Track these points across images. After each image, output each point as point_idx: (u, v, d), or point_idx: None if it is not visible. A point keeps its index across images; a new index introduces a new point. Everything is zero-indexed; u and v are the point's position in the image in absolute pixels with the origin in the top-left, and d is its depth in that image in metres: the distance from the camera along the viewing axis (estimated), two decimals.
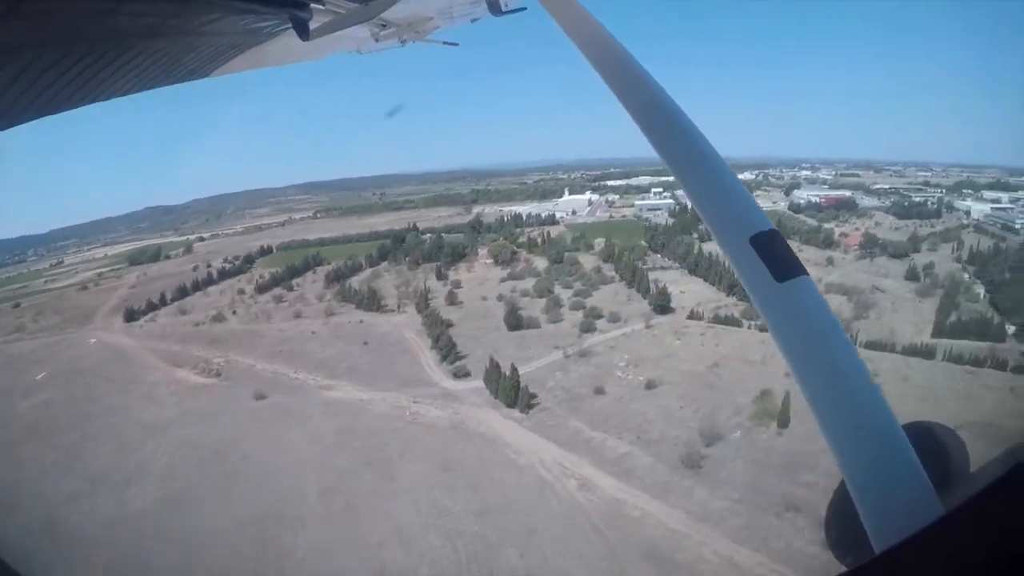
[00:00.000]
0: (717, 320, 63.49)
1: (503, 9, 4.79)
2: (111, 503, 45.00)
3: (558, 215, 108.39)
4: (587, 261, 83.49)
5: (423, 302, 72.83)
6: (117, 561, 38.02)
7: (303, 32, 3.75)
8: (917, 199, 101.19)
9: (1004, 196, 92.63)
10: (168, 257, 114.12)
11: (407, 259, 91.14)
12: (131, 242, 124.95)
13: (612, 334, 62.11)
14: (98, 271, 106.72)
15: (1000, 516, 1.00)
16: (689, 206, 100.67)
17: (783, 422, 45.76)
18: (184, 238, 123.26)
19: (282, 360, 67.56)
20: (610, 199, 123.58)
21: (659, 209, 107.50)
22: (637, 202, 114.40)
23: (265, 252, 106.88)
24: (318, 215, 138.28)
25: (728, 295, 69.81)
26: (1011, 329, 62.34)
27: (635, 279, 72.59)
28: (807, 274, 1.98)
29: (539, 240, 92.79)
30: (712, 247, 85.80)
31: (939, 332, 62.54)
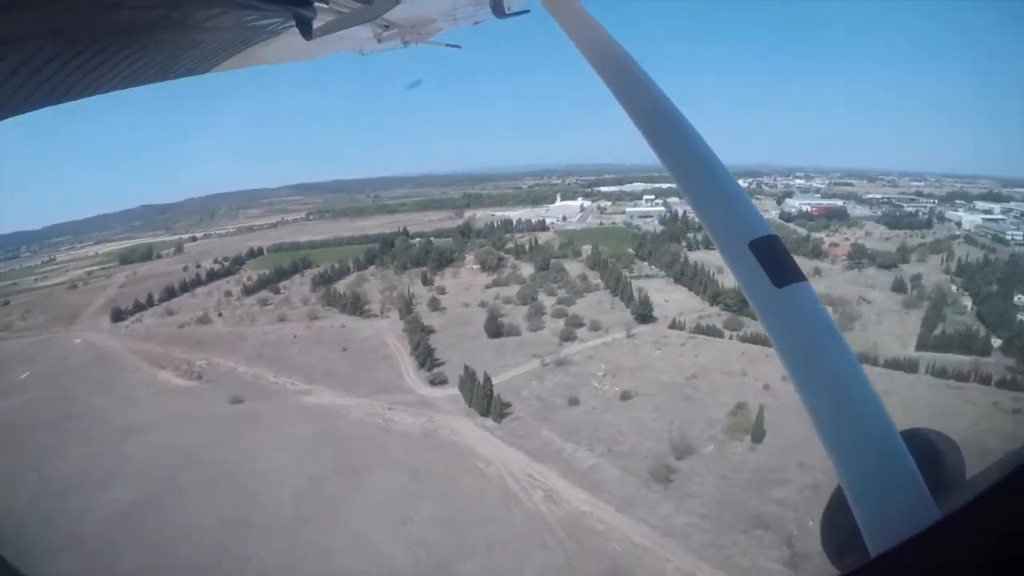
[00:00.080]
0: (699, 330, 63.05)
1: (507, 12, 4.75)
2: (79, 506, 44.78)
3: (548, 221, 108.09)
4: (573, 268, 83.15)
5: (406, 308, 72.54)
6: (80, 563, 37.82)
7: (306, 31, 3.71)
8: (909, 209, 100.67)
9: (996, 207, 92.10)
10: (159, 256, 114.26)
11: (394, 264, 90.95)
12: (124, 240, 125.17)
13: (592, 343, 61.72)
14: (88, 270, 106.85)
15: (996, 521, 1.00)
16: (680, 214, 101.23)
17: (757, 436, 45.34)
18: (176, 237, 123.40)
19: (263, 364, 67.42)
20: (602, 205, 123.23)
21: (650, 216, 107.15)
22: (628, 209, 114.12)
23: (255, 254, 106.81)
24: (310, 217, 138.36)
25: (712, 305, 69.40)
26: (997, 343, 61.75)
27: (619, 287, 72.17)
28: (806, 280, 1.98)
29: (527, 246, 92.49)
30: (699, 256, 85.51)
31: (923, 345, 61.97)
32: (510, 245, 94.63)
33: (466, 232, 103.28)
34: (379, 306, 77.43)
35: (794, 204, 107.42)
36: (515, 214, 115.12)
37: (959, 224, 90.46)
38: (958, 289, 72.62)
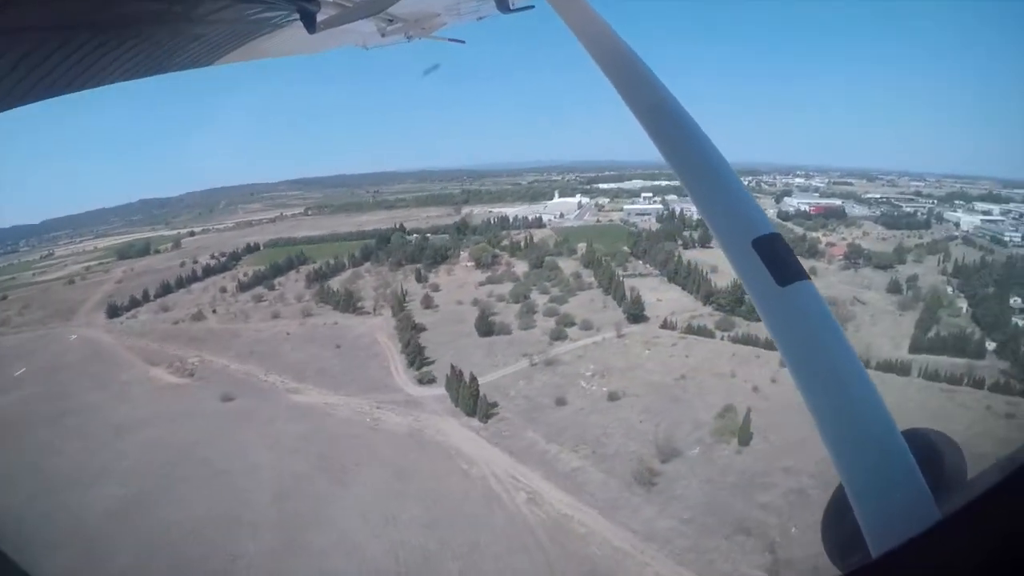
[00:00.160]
0: (690, 330, 62.73)
1: (511, 7, 4.72)
2: (69, 502, 45.09)
3: (545, 218, 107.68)
4: (567, 266, 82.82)
5: (398, 305, 72.49)
6: (71, 558, 38.11)
7: (310, 24, 3.71)
8: (908, 209, 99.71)
9: (995, 208, 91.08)
10: (157, 251, 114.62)
11: (389, 260, 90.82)
12: (123, 235, 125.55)
13: (582, 342, 61.52)
14: (86, 264, 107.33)
15: (997, 521, 1.00)
16: (677, 212, 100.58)
17: (744, 439, 45.12)
18: (175, 232, 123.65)
19: (255, 361, 67.57)
20: (600, 203, 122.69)
21: (647, 214, 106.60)
22: (626, 206, 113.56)
23: (252, 249, 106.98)
24: (309, 212, 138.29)
25: (705, 304, 69.05)
26: (991, 346, 61.11)
27: (612, 286, 71.85)
28: (809, 278, 1.97)
29: (522, 243, 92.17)
30: (694, 255, 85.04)
31: (917, 347, 61.43)
32: (505, 242, 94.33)
33: (462, 229, 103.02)
34: (373, 303, 77.41)
35: (792, 203, 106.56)
36: (513, 211, 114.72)
37: (957, 225, 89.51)
38: (954, 291, 71.94)
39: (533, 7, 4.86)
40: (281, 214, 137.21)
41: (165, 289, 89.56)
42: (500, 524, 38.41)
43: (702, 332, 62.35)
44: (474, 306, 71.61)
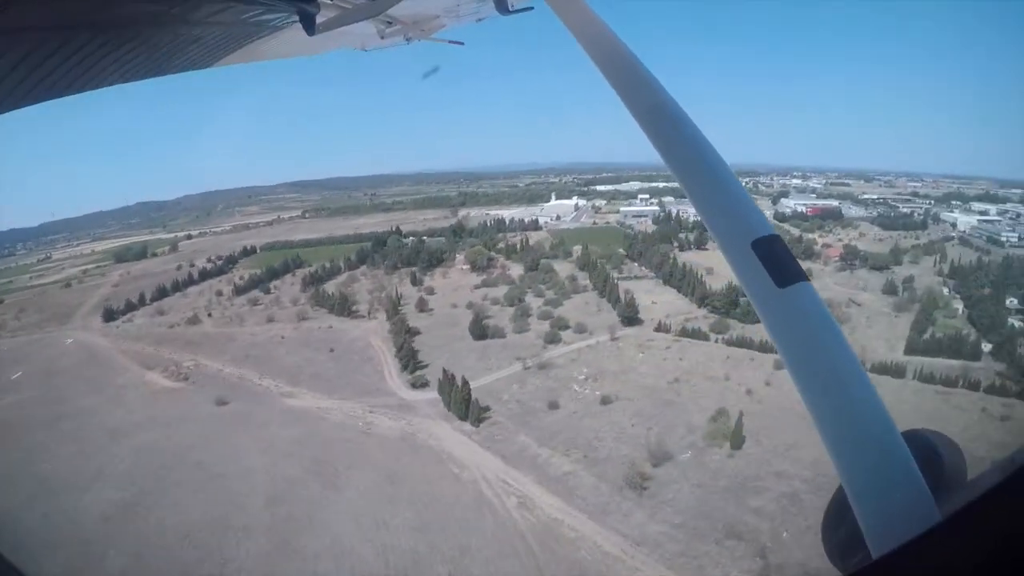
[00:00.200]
0: (684, 333, 62.59)
1: (510, 8, 4.70)
2: (63, 506, 45.08)
3: (542, 220, 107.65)
4: (563, 269, 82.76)
5: (393, 309, 72.45)
6: (61, 562, 38.07)
7: (309, 26, 3.72)
8: (904, 210, 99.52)
9: (992, 208, 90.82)
10: (155, 255, 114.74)
11: (385, 263, 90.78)
12: (120, 238, 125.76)
13: (576, 346, 61.41)
14: (84, 268, 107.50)
15: (998, 522, 1.00)
16: (673, 214, 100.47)
17: (737, 443, 44.94)
18: (172, 235, 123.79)
19: (250, 365, 67.56)
20: (597, 204, 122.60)
21: (644, 216, 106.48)
22: (623, 208, 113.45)
23: (248, 252, 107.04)
24: (306, 215, 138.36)
25: (700, 307, 68.93)
26: (987, 347, 60.87)
27: (606, 289, 71.75)
28: (808, 280, 1.97)
29: (518, 246, 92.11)
30: (690, 257, 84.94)
31: (912, 349, 61.25)
32: (501, 245, 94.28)
33: (458, 231, 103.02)
34: (368, 307, 77.36)
35: (789, 204, 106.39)
36: (509, 213, 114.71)
37: (954, 225, 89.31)
38: (950, 292, 71.73)
39: (532, 8, 4.86)
40: (279, 217, 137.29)
41: (161, 293, 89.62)
42: (490, 528, 38.30)
43: (696, 335, 62.22)
44: (469, 309, 71.56)
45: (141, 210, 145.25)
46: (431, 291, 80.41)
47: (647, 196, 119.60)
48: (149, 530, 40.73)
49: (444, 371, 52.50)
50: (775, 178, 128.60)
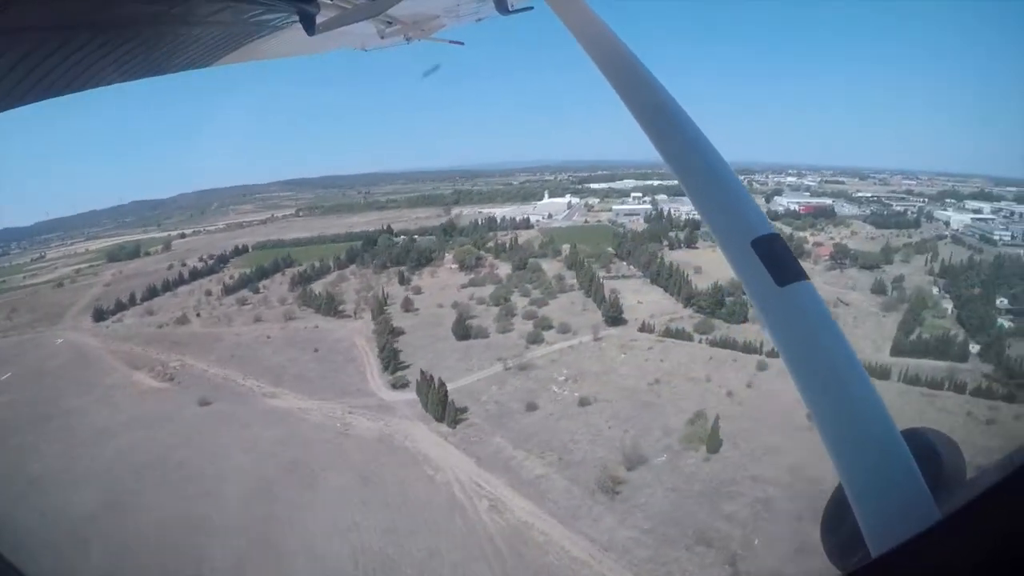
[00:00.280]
0: (668, 334, 62.16)
1: (510, 8, 4.73)
2: (43, 506, 45.31)
3: (533, 219, 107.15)
4: (551, 268, 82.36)
5: (378, 309, 72.33)
6: (41, 559, 38.26)
7: (309, 26, 3.72)
8: (898, 208, 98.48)
9: (986, 206, 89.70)
10: (147, 254, 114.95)
11: (374, 262, 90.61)
12: (114, 237, 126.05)
13: (558, 346, 61.13)
14: (77, 267, 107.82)
15: (997, 521, 1.00)
16: (665, 212, 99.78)
17: (713, 447, 44.58)
18: (165, 234, 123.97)
19: (234, 365, 67.69)
20: (590, 203, 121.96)
21: (636, 214, 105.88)
22: (615, 207, 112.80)
23: (240, 252, 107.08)
24: (300, 213, 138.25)
25: (686, 307, 68.43)
26: (975, 348, 60.13)
27: (592, 288, 71.35)
28: (808, 279, 1.98)
29: (507, 245, 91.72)
30: (679, 256, 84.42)
31: (899, 350, 60.59)
32: (491, 244, 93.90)
33: (449, 230, 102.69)
34: (354, 306, 77.29)
35: (783, 202, 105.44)
36: (501, 211, 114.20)
37: (947, 224, 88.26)
38: (940, 291, 70.92)
39: (532, 8, 4.86)
40: (272, 215, 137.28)
41: (152, 292, 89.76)
42: (460, 531, 38.22)
43: (680, 335, 61.79)
44: (454, 309, 71.34)
45: (135, 209, 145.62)
46: (418, 291, 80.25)
47: (639, 194, 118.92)
48: (125, 529, 40.90)
49: (422, 372, 52.37)
50: (770, 176, 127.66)
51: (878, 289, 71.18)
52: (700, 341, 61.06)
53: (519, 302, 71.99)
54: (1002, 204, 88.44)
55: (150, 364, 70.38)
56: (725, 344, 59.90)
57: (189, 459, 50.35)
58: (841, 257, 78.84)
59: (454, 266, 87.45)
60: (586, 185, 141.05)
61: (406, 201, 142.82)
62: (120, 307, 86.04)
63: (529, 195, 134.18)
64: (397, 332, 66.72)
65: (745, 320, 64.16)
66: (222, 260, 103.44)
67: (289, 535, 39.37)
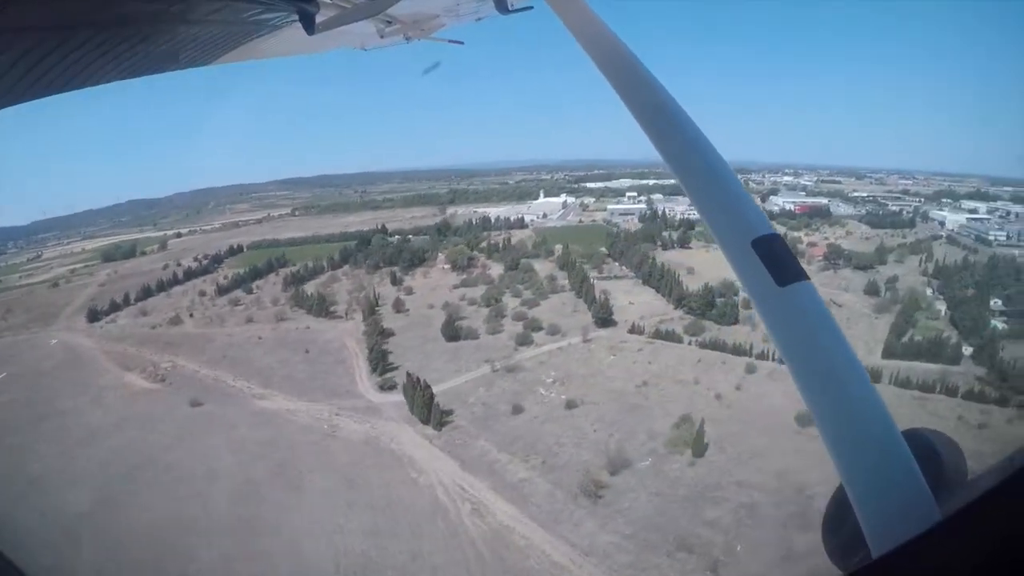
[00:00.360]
0: (658, 335, 61.93)
1: (510, 8, 4.74)
2: (32, 506, 45.54)
3: (528, 218, 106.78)
4: (543, 268, 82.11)
5: (369, 310, 72.26)
6: (28, 560, 38.38)
7: (309, 26, 3.73)
8: (893, 208, 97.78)
9: (982, 206, 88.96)
10: (143, 254, 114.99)
11: (367, 263, 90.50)
12: (111, 236, 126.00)
13: (547, 348, 60.98)
14: (72, 267, 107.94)
15: (998, 522, 1.01)
16: (660, 212, 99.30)
17: (699, 451, 44.38)
18: (161, 234, 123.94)
19: (225, 366, 67.85)
20: (585, 202, 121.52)
21: (631, 214, 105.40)
22: (610, 206, 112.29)
23: (235, 251, 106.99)
24: (296, 212, 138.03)
25: (676, 308, 68.14)
26: (968, 351, 59.68)
27: (583, 289, 71.13)
28: (808, 279, 1.98)
29: (501, 245, 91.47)
30: (672, 256, 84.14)
31: (890, 353, 60.18)
32: (484, 244, 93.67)
33: (443, 230, 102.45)
34: (346, 307, 77.26)
35: (778, 202, 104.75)
36: (497, 211, 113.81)
37: (942, 224, 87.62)
38: (933, 292, 70.44)
39: (532, 8, 4.86)
40: (268, 215, 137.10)
41: (146, 293, 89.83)
42: (442, 535, 38.25)
43: (670, 337, 61.55)
44: (445, 310, 71.25)
45: (132, 208, 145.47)
46: (410, 291, 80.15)
47: (634, 194, 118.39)
48: (110, 529, 41.10)
49: (408, 375, 52.31)
50: (767, 175, 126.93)
51: (871, 290, 70.77)
52: (690, 343, 60.84)
53: (510, 303, 71.83)
54: (998, 204, 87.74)
55: (142, 365, 70.56)
56: (715, 346, 59.69)
57: (177, 460, 50.57)
58: (835, 257, 78.40)
59: (447, 266, 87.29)
60: (582, 184, 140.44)
61: (402, 200, 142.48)
62: (114, 307, 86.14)
63: (525, 194, 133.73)
64: (387, 333, 66.68)
65: (736, 322, 63.91)
66: (217, 260, 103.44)
67: (272, 537, 39.49)
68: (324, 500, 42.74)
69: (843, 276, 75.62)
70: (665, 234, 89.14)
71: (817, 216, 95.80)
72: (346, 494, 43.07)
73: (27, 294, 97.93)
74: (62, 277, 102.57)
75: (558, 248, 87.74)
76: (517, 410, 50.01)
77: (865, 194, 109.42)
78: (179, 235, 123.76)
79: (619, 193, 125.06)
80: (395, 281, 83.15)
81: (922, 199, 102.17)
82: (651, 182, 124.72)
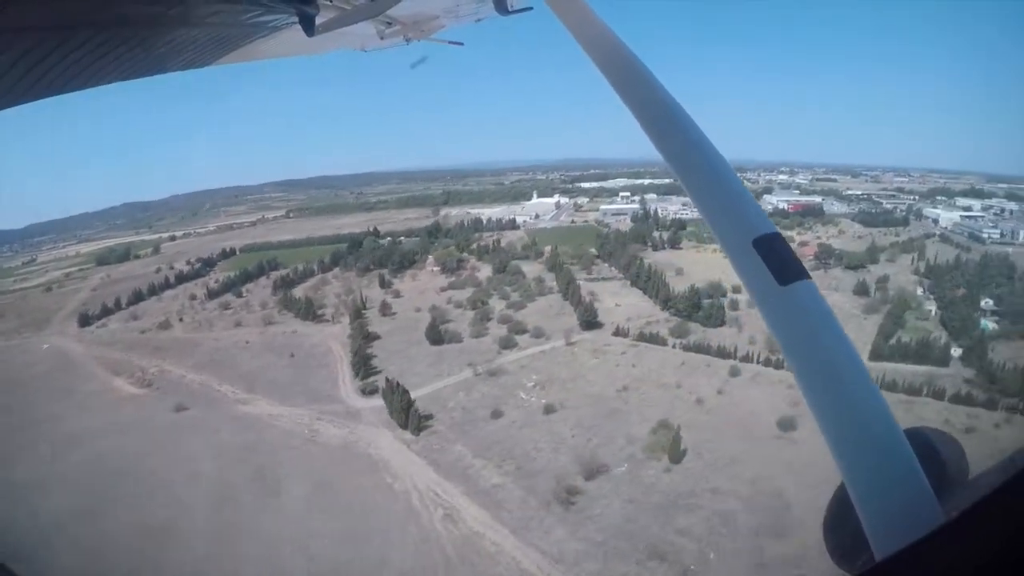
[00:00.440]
0: (642, 338, 61.44)
1: (510, 9, 4.74)
2: (17, 509, 45.79)
3: (520, 220, 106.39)
4: (532, 270, 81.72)
5: (356, 313, 72.16)
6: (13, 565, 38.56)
7: (309, 27, 3.75)
8: (887, 206, 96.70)
9: (976, 204, 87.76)
10: (137, 257, 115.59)
11: (357, 265, 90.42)
12: (106, 239, 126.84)
13: (530, 351, 60.64)
14: (66, 271, 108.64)
15: (1003, 523, 1.01)
16: (653, 212, 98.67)
17: (676, 457, 43.89)
18: (156, 237, 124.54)
19: (212, 370, 67.96)
20: (579, 202, 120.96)
21: (624, 214, 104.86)
22: (603, 206, 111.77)
23: (227, 255, 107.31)
24: (290, 214, 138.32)
25: (663, 310, 67.59)
26: (957, 352, 58.72)
27: (569, 291, 70.71)
28: (810, 278, 1.98)
29: (491, 247, 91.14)
30: (663, 256, 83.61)
31: (878, 354, 59.33)
32: (475, 245, 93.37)
33: (434, 232, 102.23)
34: (333, 311, 77.21)
35: (772, 200, 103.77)
36: (489, 212, 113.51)
37: (936, 222, 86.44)
38: (924, 292, 69.45)
39: (531, 9, 4.86)
40: (263, 217, 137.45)
41: (137, 297, 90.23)
42: (414, 540, 38.06)
43: (654, 340, 61.04)
44: (431, 313, 71.02)
45: (127, 211, 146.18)
46: (398, 294, 80.00)
47: (627, 194, 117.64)
48: (87, 533, 41.19)
49: (387, 379, 52.14)
50: (762, 174, 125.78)
51: (860, 290, 69.89)
52: (674, 346, 60.30)
53: (496, 306, 71.53)
54: (993, 201, 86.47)
55: (130, 370, 70.82)
56: (699, 349, 59.14)
57: (158, 465, 50.60)
58: (826, 257, 77.55)
59: (436, 269, 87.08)
60: (577, 184, 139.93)
61: (396, 202, 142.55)
62: (106, 312, 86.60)
63: (519, 195, 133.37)
64: (372, 337, 66.56)
65: (722, 324, 63.33)
66: (209, 264, 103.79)
67: (245, 541, 39.46)
68: (298, 505, 42.66)
69: (833, 276, 74.71)
70: (656, 234, 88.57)
71: (810, 215, 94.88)
72: (321, 499, 42.95)
73: (20, 299, 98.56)
74: (56, 281, 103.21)
75: (548, 249, 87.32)
76: (496, 415, 49.73)
77: (859, 192, 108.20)
78: (173, 238, 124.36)
79: (613, 193, 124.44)
80: (383, 284, 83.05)
81: (916, 197, 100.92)
82: (646, 182, 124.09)
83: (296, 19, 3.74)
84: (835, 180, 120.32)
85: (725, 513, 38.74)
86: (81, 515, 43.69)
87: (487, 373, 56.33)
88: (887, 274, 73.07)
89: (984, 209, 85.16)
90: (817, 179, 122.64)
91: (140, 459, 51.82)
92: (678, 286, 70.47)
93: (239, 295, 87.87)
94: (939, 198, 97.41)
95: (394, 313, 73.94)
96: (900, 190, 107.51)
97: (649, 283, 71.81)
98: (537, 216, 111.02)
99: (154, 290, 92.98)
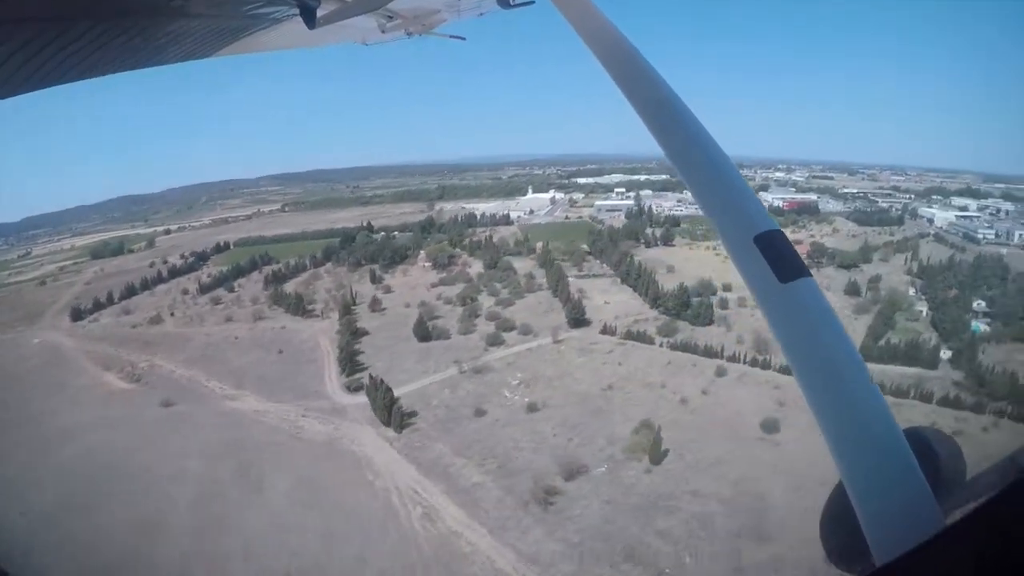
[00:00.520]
0: (630, 336, 61.23)
1: (512, 2, 4.81)
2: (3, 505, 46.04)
3: (514, 215, 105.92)
4: (523, 267, 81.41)
5: (345, 309, 72.05)
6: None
7: (310, 20, 3.74)
8: (883, 205, 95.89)
9: (972, 203, 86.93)
10: (131, 251, 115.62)
11: (349, 260, 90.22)
12: (101, 233, 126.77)
13: (516, 349, 60.50)
14: (61, 265, 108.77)
15: (1004, 525, 1.01)
16: (647, 208, 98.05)
17: (656, 458, 43.77)
18: (151, 230, 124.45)
19: (200, 366, 68.04)
20: (574, 198, 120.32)
21: (618, 210, 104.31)
22: (597, 202, 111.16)
23: (221, 249, 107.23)
24: (286, 208, 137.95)
25: (652, 307, 67.31)
26: (947, 354, 58.34)
27: (559, 288, 70.44)
28: (811, 275, 1.98)
29: (483, 242, 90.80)
30: (655, 253, 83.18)
31: (866, 355, 58.84)
32: (467, 241, 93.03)
33: (427, 227, 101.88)
34: (323, 306, 77.14)
35: (767, 198, 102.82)
36: (484, 207, 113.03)
37: (931, 221, 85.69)
38: (916, 293, 68.96)
39: (534, 2, 4.82)
40: (258, 210, 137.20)
41: (130, 291, 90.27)
42: (391, 539, 38.12)
43: (641, 338, 60.81)
44: (420, 309, 70.89)
45: (122, 204, 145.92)
46: (388, 290, 79.85)
47: (623, 190, 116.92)
48: (71, 529, 41.41)
49: (371, 376, 52.11)
50: (759, 171, 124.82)
51: (852, 290, 69.46)
52: (661, 344, 60.08)
53: (486, 302, 71.34)
54: (989, 201, 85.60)
55: (120, 365, 70.93)
56: (686, 348, 58.92)
57: (144, 461, 50.78)
58: (818, 256, 77.03)
59: (427, 264, 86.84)
60: (573, 180, 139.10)
61: (392, 196, 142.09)
62: (98, 306, 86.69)
63: (515, 190, 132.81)
64: (360, 333, 66.51)
65: (711, 323, 63.08)
66: (202, 258, 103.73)
67: (224, 538, 39.59)
68: (280, 502, 42.79)
69: (825, 275, 74.18)
70: (649, 231, 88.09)
71: (805, 213, 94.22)
72: (302, 496, 43.04)
73: (14, 292, 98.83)
74: (50, 275, 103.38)
75: (540, 246, 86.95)
76: (479, 413, 49.69)
77: (856, 190, 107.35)
78: (168, 232, 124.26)
79: (609, 189, 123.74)
80: (374, 279, 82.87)
81: (912, 196, 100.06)
82: (642, 177, 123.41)
83: (297, 11, 3.72)
84: (832, 178, 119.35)
85: (704, 516, 38.62)
86: (68, 510, 43.94)
87: (472, 370, 56.23)
88: (879, 274, 72.58)
89: (980, 209, 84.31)
90: (814, 176, 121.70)
91: (127, 454, 52.03)
92: (669, 284, 70.13)
93: (231, 290, 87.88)
94: (935, 197, 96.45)
95: (384, 309, 73.84)
96: (896, 189, 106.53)
97: (639, 280, 71.48)
98: (532, 211, 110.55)
99: (147, 284, 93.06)
